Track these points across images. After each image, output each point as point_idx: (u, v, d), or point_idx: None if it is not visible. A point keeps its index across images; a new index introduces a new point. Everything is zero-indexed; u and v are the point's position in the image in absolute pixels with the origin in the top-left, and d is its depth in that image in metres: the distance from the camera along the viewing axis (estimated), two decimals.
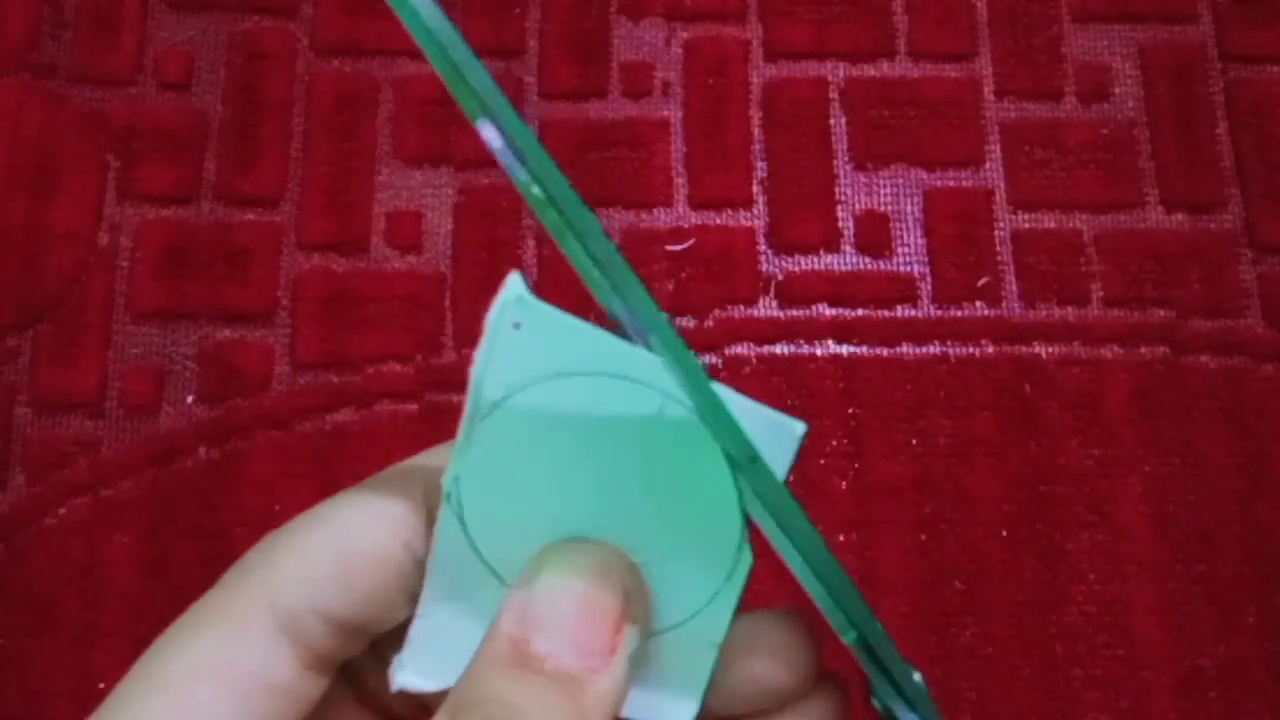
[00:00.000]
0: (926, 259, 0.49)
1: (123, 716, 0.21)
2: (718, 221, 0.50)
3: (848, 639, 0.22)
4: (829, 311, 0.49)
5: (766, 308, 0.49)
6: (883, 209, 0.50)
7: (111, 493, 0.46)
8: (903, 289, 0.49)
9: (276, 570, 0.22)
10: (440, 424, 0.47)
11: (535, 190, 0.19)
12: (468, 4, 0.52)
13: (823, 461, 0.47)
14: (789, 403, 0.48)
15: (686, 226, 0.50)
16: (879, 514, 0.46)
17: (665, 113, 0.51)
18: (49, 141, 0.50)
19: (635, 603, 0.21)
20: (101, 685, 0.44)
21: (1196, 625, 0.45)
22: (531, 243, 0.49)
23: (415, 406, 0.47)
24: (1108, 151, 0.51)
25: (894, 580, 0.46)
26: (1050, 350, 0.48)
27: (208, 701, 0.21)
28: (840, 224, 0.50)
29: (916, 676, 0.22)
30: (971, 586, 0.46)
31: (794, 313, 0.49)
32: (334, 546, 0.22)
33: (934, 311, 0.49)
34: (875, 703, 0.22)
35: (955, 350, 0.48)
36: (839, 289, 0.49)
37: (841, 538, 0.46)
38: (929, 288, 0.49)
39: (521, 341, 0.21)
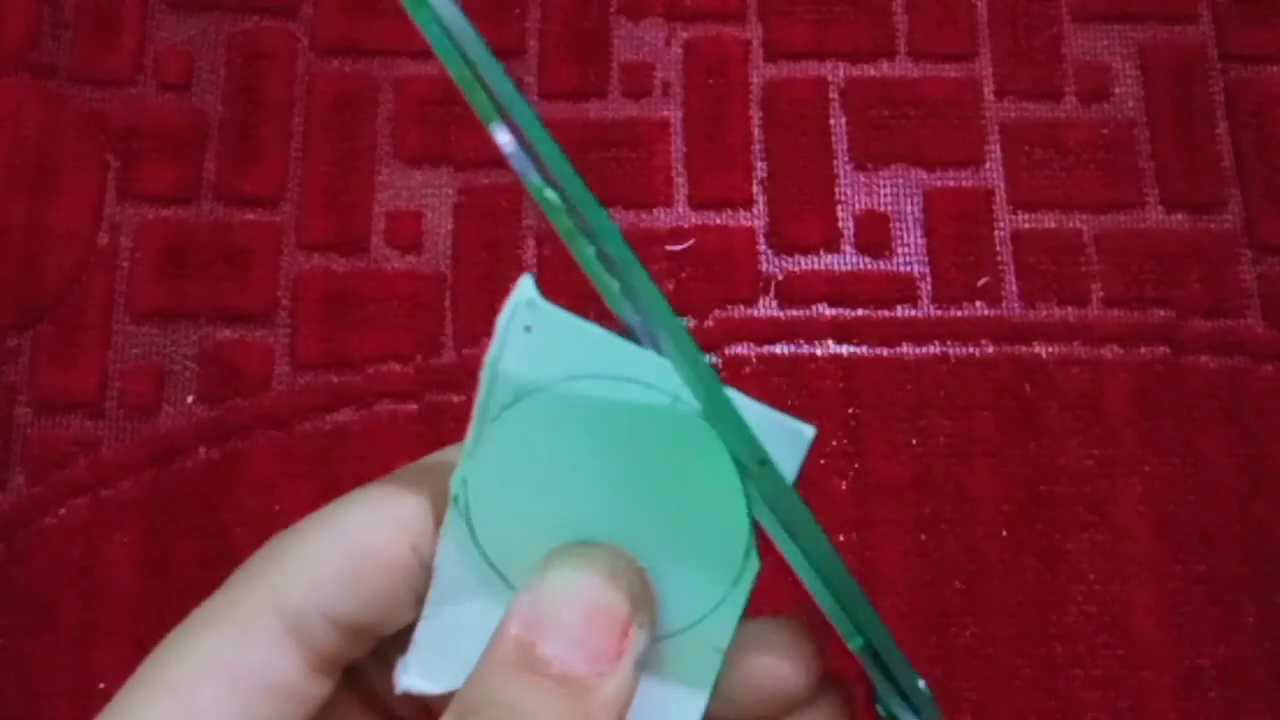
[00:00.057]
0: (926, 259, 0.50)
1: (127, 718, 0.21)
2: (718, 221, 0.50)
3: (854, 645, 0.21)
4: (829, 311, 0.49)
5: (766, 308, 0.49)
6: (883, 209, 0.50)
7: (111, 493, 0.46)
8: (903, 289, 0.49)
9: (283, 572, 0.22)
10: (440, 424, 0.47)
11: (549, 194, 0.19)
12: (468, 4, 0.52)
13: (823, 461, 0.47)
14: (789, 403, 0.48)
15: (686, 226, 0.50)
16: (879, 514, 0.46)
17: (665, 113, 0.51)
18: (49, 141, 0.50)
19: (642, 607, 0.21)
20: (102, 685, 0.44)
21: (1196, 625, 0.45)
22: (531, 243, 0.49)
23: (415, 406, 0.47)
24: (1108, 151, 0.51)
25: (894, 580, 0.46)
26: (1050, 350, 0.48)
27: (212, 703, 0.21)
28: (840, 224, 0.50)
29: (921, 684, 0.22)
30: (971, 586, 0.46)
31: (794, 313, 0.49)
32: (341, 548, 0.22)
33: (934, 311, 0.49)
34: (880, 709, 0.22)
35: (955, 350, 0.48)
36: (839, 289, 0.49)
37: (841, 538, 0.46)
38: (929, 288, 0.49)
39: (532, 345, 0.21)
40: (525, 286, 0.21)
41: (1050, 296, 0.49)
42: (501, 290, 0.21)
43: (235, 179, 0.50)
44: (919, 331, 0.49)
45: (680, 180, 0.50)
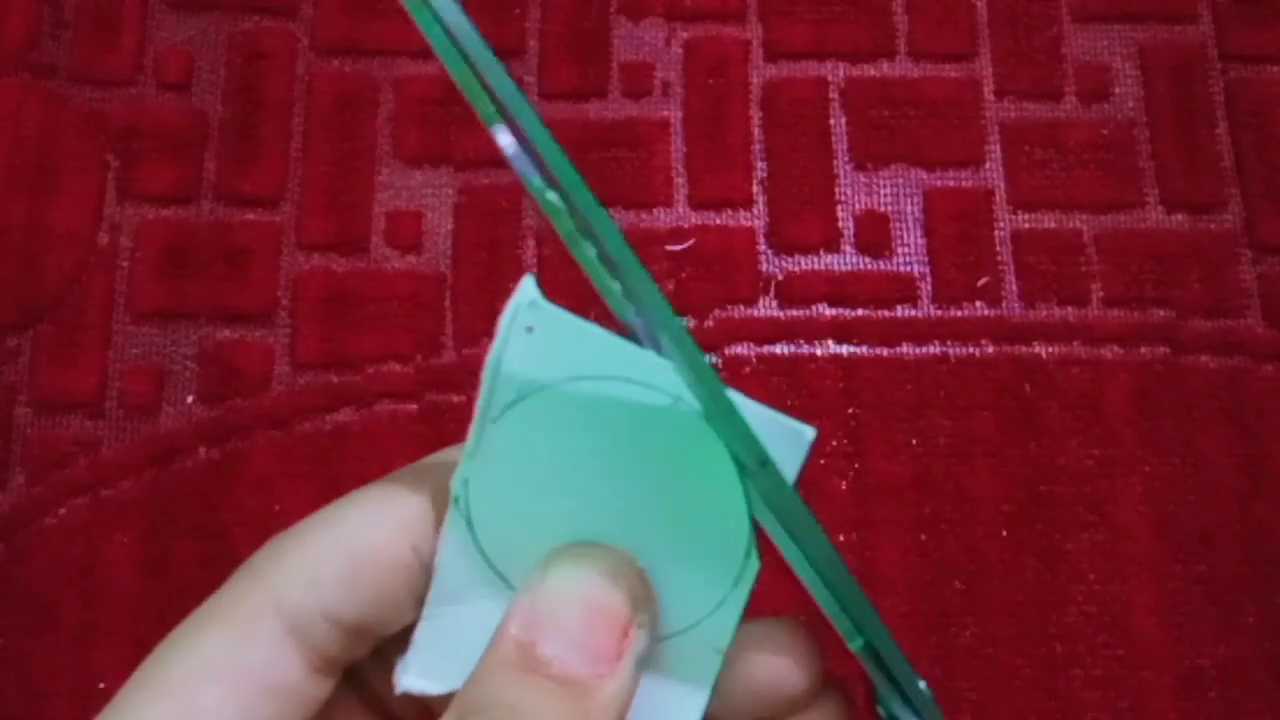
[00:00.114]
0: (926, 259, 0.50)
1: (127, 718, 0.21)
2: (718, 221, 0.50)
3: (855, 646, 0.21)
4: (829, 311, 0.49)
5: (766, 308, 0.49)
6: (883, 209, 0.50)
7: (111, 493, 0.46)
8: (903, 289, 0.49)
9: (284, 572, 0.22)
10: (440, 424, 0.47)
11: (550, 196, 0.19)
12: (468, 4, 0.52)
13: (823, 461, 0.47)
14: (789, 403, 0.48)
15: (686, 226, 0.50)
16: (879, 514, 0.46)
17: (665, 113, 0.51)
18: (49, 141, 0.50)
19: (642, 607, 0.21)
20: (102, 685, 0.44)
21: (1196, 625, 0.45)
22: (531, 243, 0.49)
23: (415, 406, 0.47)
24: (1108, 151, 0.51)
25: (894, 580, 0.46)
26: (1050, 350, 0.48)
27: (212, 703, 0.21)
28: (840, 224, 0.50)
29: (921, 684, 0.22)
30: (971, 586, 0.46)
31: (794, 313, 0.49)
32: (342, 549, 0.22)
33: (934, 311, 0.49)
34: (880, 709, 0.22)
35: (955, 350, 0.48)
36: (839, 289, 0.49)
37: (841, 538, 0.46)
38: (929, 288, 0.49)
39: (533, 345, 0.21)
40: (527, 287, 0.21)
41: (1050, 296, 0.49)
42: (502, 290, 0.21)
43: (235, 179, 0.50)
44: (919, 331, 0.49)
45: (680, 180, 0.50)
